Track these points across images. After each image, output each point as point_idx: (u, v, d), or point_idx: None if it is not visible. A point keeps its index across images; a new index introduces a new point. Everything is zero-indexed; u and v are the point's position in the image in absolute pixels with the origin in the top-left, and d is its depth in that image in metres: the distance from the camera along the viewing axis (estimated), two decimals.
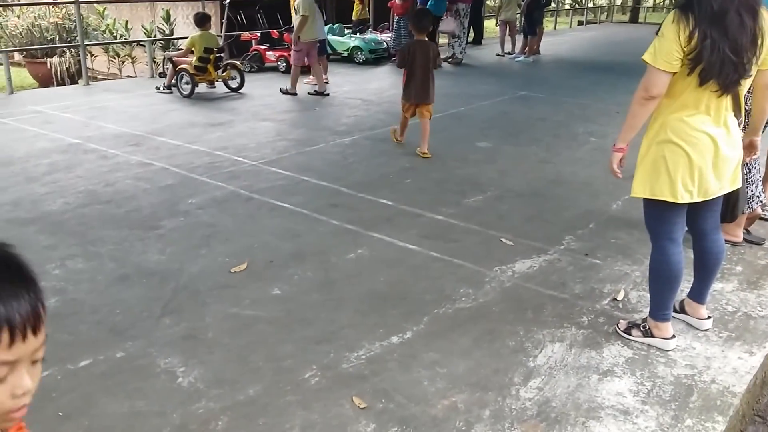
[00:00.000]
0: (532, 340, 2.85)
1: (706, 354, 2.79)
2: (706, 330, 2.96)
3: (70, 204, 4.30)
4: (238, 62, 8.68)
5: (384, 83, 9.38)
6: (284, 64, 10.01)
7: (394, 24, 11.54)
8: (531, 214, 4.38)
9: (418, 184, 4.94)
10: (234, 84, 8.29)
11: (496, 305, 3.16)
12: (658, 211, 2.66)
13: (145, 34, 11.82)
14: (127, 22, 12.59)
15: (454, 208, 4.42)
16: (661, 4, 32.68)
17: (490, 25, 17.92)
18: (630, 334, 2.87)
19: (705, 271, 2.88)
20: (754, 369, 2.69)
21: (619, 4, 25.42)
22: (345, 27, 11.99)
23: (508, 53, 12.34)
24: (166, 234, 3.87)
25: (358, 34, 11.72)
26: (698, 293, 2.96)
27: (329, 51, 10.49)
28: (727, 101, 2.50)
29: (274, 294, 3.21)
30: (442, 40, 12.43)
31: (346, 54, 11.31)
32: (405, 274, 3.47)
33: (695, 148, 2.50)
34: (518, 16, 12.64)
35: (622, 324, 2.93)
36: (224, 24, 10.45)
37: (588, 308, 3.15)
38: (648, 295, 2.91)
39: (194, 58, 8.01)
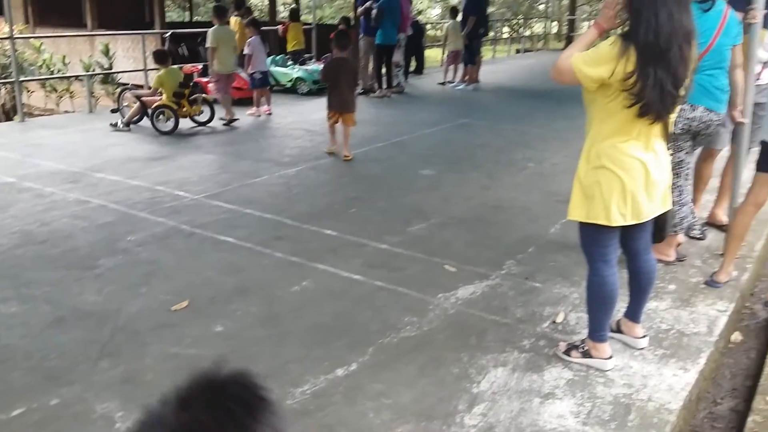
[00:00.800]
0: (475, 366, 2.89)
1: (642, 372, 2.87)
2: (642, 348, 3.05)
3: (3, 246, 4.16)
4: (206, 96, 8.57)
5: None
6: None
7: None
8: (473, 240, 4.45)
9: (363, 213, 4.97)
10: (203, 118, 8.16)
11: (440, 333, 3.19)
12: (592, 234, 2.74)
13: (83, 68, 11.63)
14: (64, 56, 12.36)
15: (398, 236, 4.46)
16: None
17: (431, 54, 18.26)
18: (569, 356, 2.93)
19: (639, 290, 2.98)
20: (689, 385, 2.78)
21: (555, 32, 26.26)
22: (287, 58, 12.03)
23: (449, 82, 12.59)
24: (104, 273, 3.79)
25: (300, 65, 11.75)
26: (633, 312, 3.05)
27: (273, 82, 10.50)
28: (657, 128, 2.60)
29: (217, 331, 3.17)
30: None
31: (289, 85, 11.34)
32: (349, 305, 3.47)
33: (628, 174, 2.59)
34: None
35: (562, 346, 2.99)
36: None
37: (529, 332, 3.21)
38: (585, 316, 2.99)
39: (165, 97, 7.81)
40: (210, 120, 8.27)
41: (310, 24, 13.15)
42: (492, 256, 4.15)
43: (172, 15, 28.67)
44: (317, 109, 9.85)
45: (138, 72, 11.04)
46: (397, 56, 11.07)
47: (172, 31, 10.65)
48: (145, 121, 7.86)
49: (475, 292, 3.63)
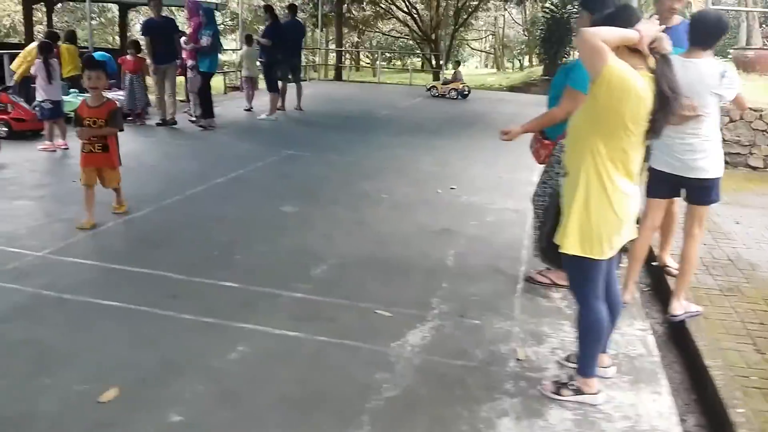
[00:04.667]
0: (481, 420, 2.74)
1: (627, 402, 2.96)
2: (610, 377, 3.15)
3: None
4: None
5: (140, 147, 8.50)
6: (5, 129, 8.53)
7: (127, 81, 10.66)
8: (382, 279, 4.29)
9: (250, 259, 4.53)
10: None
11: (420, 387, 2.98)
12: (585, 269, 2.74)
13: None
14: None
15: (306, 282, 4.13)
16: (369, 64, 35.57)
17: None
18: (561, 395, 2.92)
19: (609, 321, 3.07)
20: (672, 408, 2.93)
21: (329, 63, 26.91)
22: (66, 85, 10.68)
23: (248, 109, 12.31)
24: None
25: (84, 92, 10.50)
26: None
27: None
28: (640, 157, 2.68)
29: (175, 421, 2.61)
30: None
31: (72, 115, 10.06)
32: (305, 368, 3.11)
33: (620, 207, 2.64)
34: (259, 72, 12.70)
35: (549, 386, 2.97)
36: None
37: (503, 373, 3.15)
38: (540, 349, 3.06)
39: None
40: None
41: (86, 48, 11.84)
42: (413, 295, 4.03)
43: None
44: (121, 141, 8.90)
45: None
46: (197, 84, 10.47)
47: None
48: None
49: (425, 337, 3.48)
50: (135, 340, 3.27)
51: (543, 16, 25.90)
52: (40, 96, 7.85)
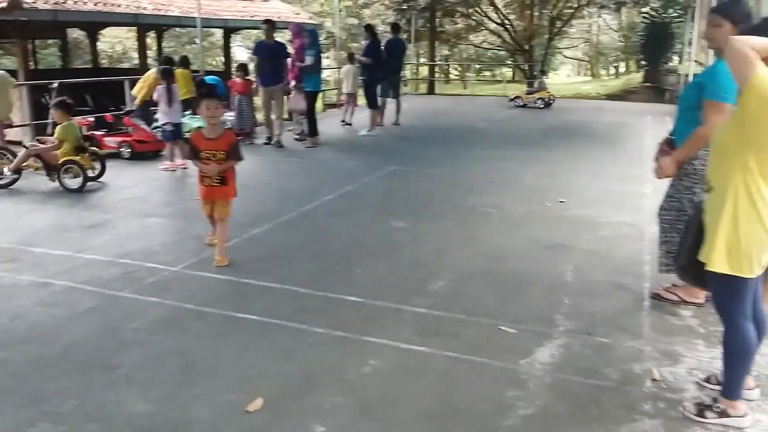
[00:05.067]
0: None
1: None
2: (754, 400, 3.02)
3: None
4: (97, 150, 7.78)
5: (251, 165, 8.88)
6: (128, 150, 9.12)
7: (236, 102, 11.16)
8: (501, 295, 4.28)
9: (370, 274, 4.64)
10: (92, 173, 7.37)
11: (554, 406, 2.97)
12: (733, 289, 2.66)
13: None
14: None
15: (425, 297, 4.19)
16: (457, 77, 35.61)
17: None
18: (705, 417, 2.83)
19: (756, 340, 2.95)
20: None
21: (420, 77, 27.14)
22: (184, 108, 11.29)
23: (347, 123, 12.67)
24: (131, 373, 3.16)
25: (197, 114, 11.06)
26: None
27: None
28: None
29: None
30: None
31: (189, 135, 10.61)
32: (438, 383, 3.15)
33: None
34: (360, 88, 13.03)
35: (691, 407, 2.89)
36: (51, 110, 9.31)
37: (640, 394, 3.08)
38: (675, 370, 3.00)
39: (66, 149, 7.12)
40: (101, 175, 7.62)
41: (198, 72, 12.49)
42: (536, 312, 4.00)
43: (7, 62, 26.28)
44: None
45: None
46: (302, 104, 10.81)
47: (60, 81, 9.60)
48: (31, 181, 6.98)
49: (554, 355, 3.45)
50: (273, 352, 3.42)
51: (642, 21, 25.09)
52: (162, 119, 8.34)
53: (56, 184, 7.15)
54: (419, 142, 11.28)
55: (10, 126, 8.23)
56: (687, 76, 14.99)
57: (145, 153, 9.26)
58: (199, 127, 10.35)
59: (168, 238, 5.40)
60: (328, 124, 12.86)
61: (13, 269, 4.56)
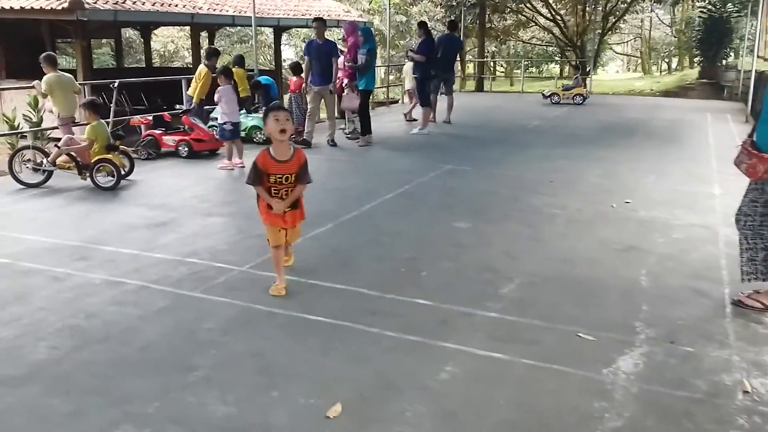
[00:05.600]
0: None
1: None
2: None
3: (59, 349, 3.40)
4: (126, 148, 7.88)
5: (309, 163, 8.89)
6: (186, 149, 9.23)
7: (287, 101, 11.22)
8: (575, 300, 4.15)
9: (437, 276, 4.56)
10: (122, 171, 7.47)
11: (645, 419, 2.84)
12: None
13: (7, 123, 10.45)
14: None
15: (496, 301, 4.09)
16: (503, 73, 35.24)
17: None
18: None
19: None
20: None
21: (467, 74, 26.95)
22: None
23: (412, 119, 12.88)
24: (211, 375, 3.15)
25: (252, 112, 11.15)
26: None
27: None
28: None
29: None
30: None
31: (244, 134, 10.70)
32: (519, 392, 3.06)
33: None
34: None
35: None
36: (112, 109, 9.50)
37: (733, 407, 2.93)
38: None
39: (97, 148, 7.23)
40: (130, 172, 7.72)
41: (252, 70, 12.59)
42: (613, 318, 3.87)
43: (63, 62, 27.02)
44: None
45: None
46: (355, 102, 10.77)
47: (120, 80, 9.76)
48: (62, 179, 7.11)
49: (637, 364, 3.32)
50: (347, 355, 3.38)
51: (699, 17, 24.37)
52: (221, 118, 8.41)
53: (87, 182, 7.22)
54: (473, 140, 11.15)
55: (75, 123, 8.39)
56: (749, 72, 14.46)
57: (202, 152, 9.37)
58: (255, 126, 10.57)
59: (231, 238, 5.41)
60: (381, 123, 12.83)
61: (84, 268, 4.62)
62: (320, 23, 10.21)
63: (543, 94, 17.73)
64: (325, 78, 10.09)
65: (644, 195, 6.96)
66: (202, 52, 15.33)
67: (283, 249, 4.31)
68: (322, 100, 10.26)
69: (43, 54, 8.30)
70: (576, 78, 17.95)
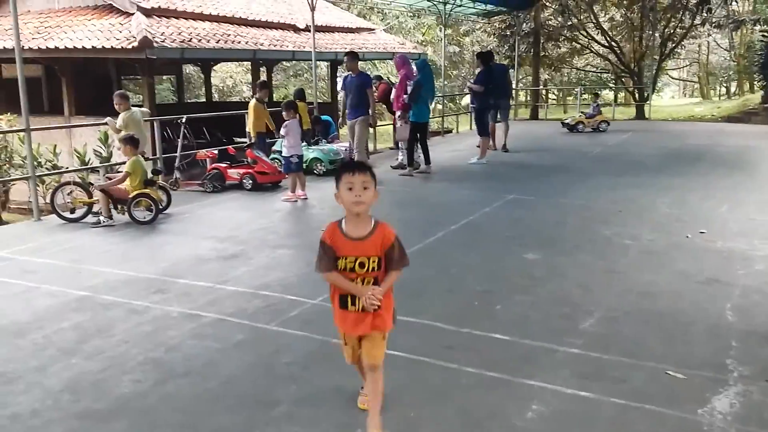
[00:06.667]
0: None
1: None
2: None
3: (143, 382, 3.44)
4: (164, 183, 8.05)
5: None
6: (250, 182, 9.39)
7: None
8: (661, 335, 4.00)
9: (512, 309, 4.47)
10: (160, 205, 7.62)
11: None
12: None
13: (78, 159, 10.86)
14: (55, 146, 11.52)
15: (577, 336, 3.97)
16: (557, 102, 34.93)
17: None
18: None
19: None
20: None
21: (519, 102, 26.81)
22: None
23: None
24: (293, 411, 3.13)
25: (313, 144, 11.30)
26: None
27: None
28: None
29: None
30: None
31: (305, 166, 10.84)
32: None
33: None
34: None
35: None
36: (180, 143, 9.78)
37: None
38: None
39: (135, 183, 7.36)
40: (167, 206, 7.84)
41: (312, 103, 12.80)
42: (703, 355, 3.71)
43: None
44: None
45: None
46: (405, 133, 10.76)
47: (187, 115, 10.06)
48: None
49: (733, 404, 3.16)
50: (428, 391, 3.32)
51: (761, 40, 23.75)
52: (287, 151, 8.52)
53: (125, 216, 7.36)
54: (533, 168, 11.04)
55: (144, 158, 8.65)
56: None
57: (264, 184, 9.52)
58: (316, 158, 10.70)
59: (301, 270, 5.43)
60: (437, 152, 12.81)
61: (160, 301, 4.70)
62: (350, 57, 10.13)
63: (566, 124, 17.22)
64: (360, 111, 10.00)
65: (719, 224, 6.73)
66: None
67: (363, 368, 2.98)
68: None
69: (118, 91, 8.63)
70: (596, 105, 17.61)
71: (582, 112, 17.85)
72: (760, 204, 7.75)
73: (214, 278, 5.19)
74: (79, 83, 14.63)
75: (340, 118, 10.68)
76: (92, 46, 12.36)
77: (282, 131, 8.55)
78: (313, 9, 12.38)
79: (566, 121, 17.40)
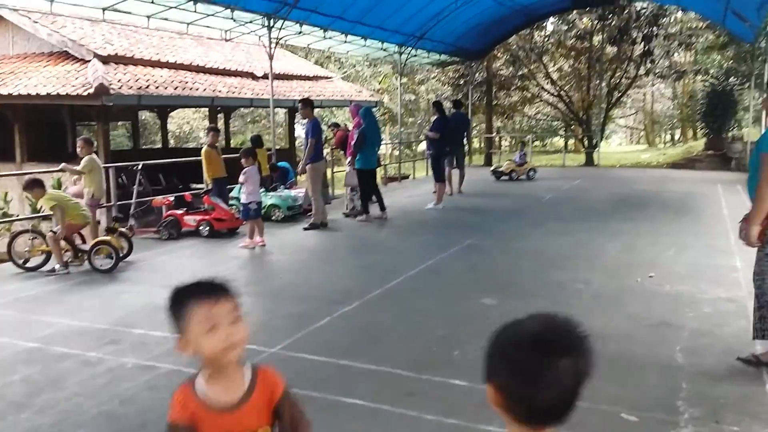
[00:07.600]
0: None
1: None
2: None
3: None
4: (123, 230, 7.97)
5: (327, 241, 8.98)
6: (207, 228, 9.34)
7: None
8: (614, 378, 4.08)
9: (470, 355, 4.51)
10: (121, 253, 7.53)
11: None
12: None
13: (30, 206, 10.64)
14: (6, 193, 11.27)
15: None
16: (510, 149, 35.81)
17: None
18: None
19: None
20: None
21: (473, 149, 27.35)
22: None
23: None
24: None
25: (271, 191, 11.32)
26: None
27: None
28: None
29: None
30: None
31: (263, 212, 10.82)
32: None
33: None
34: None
35: None
36: (135, 190, 9.69)
37: None
38: None
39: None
40: (128, 254, 7.76)
41: (270, 149, 12.87)
42: (655, 397, 3.82)
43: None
44: (307, 235, 9.41)
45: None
46: (353, 180, 10.88)
47: (143, 162, 10.00)
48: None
49: None
50: None
51: (702, 90, 24.90)
52: (245, 198, 8.50)
53: (85, 266, 7.25)
54: (488, 214, 11.25)
55: (100, 206, 8.55)
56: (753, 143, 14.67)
57: (221, 230, 9.46)
58: (274, 205, 10.70)
59: (259, 318, 5.40)
60: (393, 198, 12.96)
61: (114, 352, 4.62)
62: (302, 104, 10.04)
63: (498, 171, 17.01)
64: (309, 158, 9.96)
65: (667, 269, 6.96)
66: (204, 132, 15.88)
67: None
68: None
69: (82, 137, 8.63)
70: (523, 153, 18.12)
71: (510, 160, 17.93)
72: (705, 248, 8.04)
73: (169, 328, 5.11)
74: (31, 129, 14.44)
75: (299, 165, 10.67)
76: (47, 93, 12.24)
77: (241, 178, 8.56)
78: (271, 57, 12.57)
79: (500, 169, 17.20)
